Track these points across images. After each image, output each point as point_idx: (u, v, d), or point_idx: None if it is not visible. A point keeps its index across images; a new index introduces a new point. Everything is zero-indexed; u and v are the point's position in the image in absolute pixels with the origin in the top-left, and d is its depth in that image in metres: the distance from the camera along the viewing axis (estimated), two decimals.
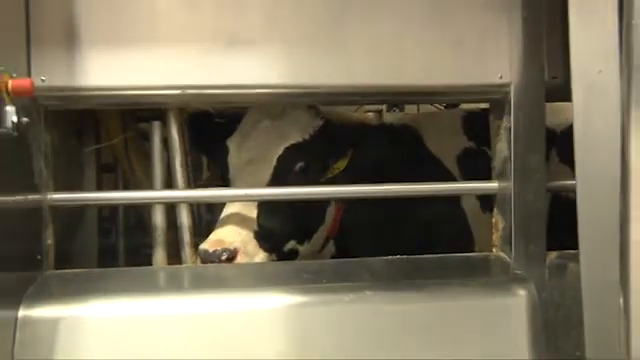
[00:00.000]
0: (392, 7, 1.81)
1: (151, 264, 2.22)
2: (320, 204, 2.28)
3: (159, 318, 1.64)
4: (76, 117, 2.40)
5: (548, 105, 1.77)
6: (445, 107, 3.10)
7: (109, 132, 2.47)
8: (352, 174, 2.27)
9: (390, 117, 3.00)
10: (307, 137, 2.20)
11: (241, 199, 2.07)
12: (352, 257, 2.11)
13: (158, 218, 2.18)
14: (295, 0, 1.79)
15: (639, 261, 1.34)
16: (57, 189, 1.85)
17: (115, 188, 2.82)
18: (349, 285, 1.72)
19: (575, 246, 1.43)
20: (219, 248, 1.94)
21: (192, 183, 2.38)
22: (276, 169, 2.13)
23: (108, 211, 2.99)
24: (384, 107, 3.00)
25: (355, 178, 2.18)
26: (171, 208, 2.21)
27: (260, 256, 2.05)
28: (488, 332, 1.68)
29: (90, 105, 2.01)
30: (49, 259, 1.80)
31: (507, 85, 1.82)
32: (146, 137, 2.33)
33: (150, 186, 2.28)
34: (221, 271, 1.91)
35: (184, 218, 2.15)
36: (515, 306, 1.71)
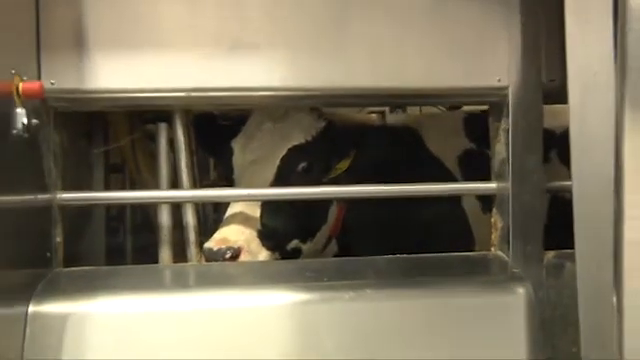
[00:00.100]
0: (392, 11, 1.83)
1: (157, 262, 2.23)
2: (322, 204, 2.29)
3: (165, 314, 1.66)
4: (85, 119, 2.42)
5: (548, 107, 1.79)
6: (447, 109, 3.11)
7: (117, 133, 2.49)
8: (354, 174, 2.28)
9: (393, 118, 3.02)
10: (310, 138, 2.21)
11: (245, 199, 2.09)
12: (355, 256, 2.12)
13: (164, 217, 2.19)
14: (297, 4, 1.80)
15: (632, 261, 1.33)
16: (66, 189, 1.87)
17: (123, 188, 2.85)
18: (350, 283, 1.74)
19: (573, 245, 1.44)
20: (223, 247, 1.95)
21: (198, 183, 2.40)
22: (279, 169, 2.15)
23: (116, 210, 3.03)
24: (387, 108, 3.02)
25: (357, 178, 2.19)
26: (177, 208, 2.22)
27: (263, 255, 2.06)
28: (486, 329, 1.70)
29: (98, 107, 2.03)
30: (58, 257, 1.82)
31: (505, 88, 1.84)
32: (153, 138, 2.34)
33: (156, 186, 2.30)
34: (225, 269, 1.93)
35: (189, 217, 2.16)
36: (512, 304, 1.73)
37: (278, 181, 2.14)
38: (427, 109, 3.14)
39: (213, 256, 1.94)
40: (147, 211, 2.76)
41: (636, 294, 1.34)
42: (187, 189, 2.20)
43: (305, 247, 2.22)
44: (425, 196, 2.09)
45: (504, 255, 1.89)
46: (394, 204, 2.21)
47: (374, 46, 1.83)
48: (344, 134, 2.31)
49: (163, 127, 2.24)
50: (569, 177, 1.42)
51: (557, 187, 1.93)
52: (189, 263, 2.17)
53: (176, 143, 2.18)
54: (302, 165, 2.17)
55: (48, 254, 1.77)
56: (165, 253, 2.21)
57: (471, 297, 1.75)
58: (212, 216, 3.09)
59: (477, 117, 2.57)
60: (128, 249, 2.84)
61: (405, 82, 1.86)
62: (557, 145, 2.34)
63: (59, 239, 1.82)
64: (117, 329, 1.63)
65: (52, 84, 1.71)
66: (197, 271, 2.01)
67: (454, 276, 1.84)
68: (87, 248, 2.51)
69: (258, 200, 2.09)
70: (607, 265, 1.37)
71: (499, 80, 1.84)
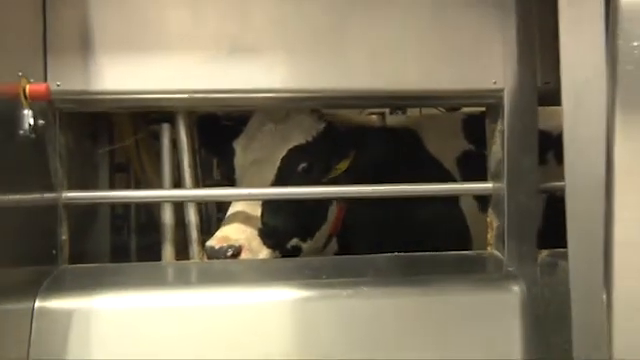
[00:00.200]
0: (392, 15, 1.84)
1: (160, 260, 2.25)
2: (322, 203, 2.30)
3: (168, 310, 1.68)
4: (90, 120, 2.43)
5: (545, 109, 1.80)
6: (447, 110, 3.12)
7: (122, 134, 2.51)
8: (354, 175, 2.29)
9: (393, 119, 3.03)
10: (310, 139, 2.22)
11: (246, 198, 2.10)
12: (355, 254, 2.13)
13: (167, 216, 2.21)
14: (297, 8, 1.81)
15: (622, 261, 1.35)
16: (72, 188, 1.88)
17: (127, 187, 2.86)
18: (348, 281, 1.75)
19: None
20: (225, 245, 1.97)
21: (200, 182, 2.43)
22: (280, 169, 2.16)
23: (121, 209, 3.05)
24: (387, 110, 3.03)
25: (357, 179, 2.21)
26: (179, 206, 2.24)
27: (264, 253, 2.07)
28: (481, 326, 1.71)
29: (103, 108, 2.04)
30: (64, 254, 1.84)
31: (501, 90, 1.85)
32: (157, 138, 2.36)
33: (160, 185, 2.32)
34: (226, 267, 1.94)
35: (192, 216, 2.18)
36: (507, 301, 1.74)
37: (279, 181, 2.15)
38: (427, 110, 3.14)
39: (215, 254, 1.96)
40: (151, 210, 2.78)
41: (626, 293, 1.36)
42: (189, 188, 2.22)
43: (305, 245, 2.23)
44: (423, 196, 2.10)
45: (499, 254, 1.90)
46: (393, 204, 2.24)
47: (373, 49, 1.84)
48: (344, 135, 2.33)
49: (166, 128, 2.26)
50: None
51: (552, 187, 1.94)
52: (191, 261, 2.19)
53: (179, 143, 2.20)
54: (302, 165, 2.19)
55: (54, 252, 1.79)
56: (168, 251, 2.23)
57: (466, 295, 1.76)
58: (215, 215, 3.11)
59: (475, 119, 2.57)
60: (132, 247, 2.85)
61: (404, 84, 1.87)
62: (554, 146, 2.35)
63: (65, 237, 1.83)
64: (121, 324, 1.64)
65: (58, 86, 1.73)
66: (199, 268, 2.03)
67: (450, 274, 1.85)
68: (93, 246, 2.52)
69: (259, 199, 2.10)
70: (598, 265, 1.39)
71: (495, 82, 1.85)
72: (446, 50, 1.86)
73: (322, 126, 2.27)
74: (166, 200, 2.21)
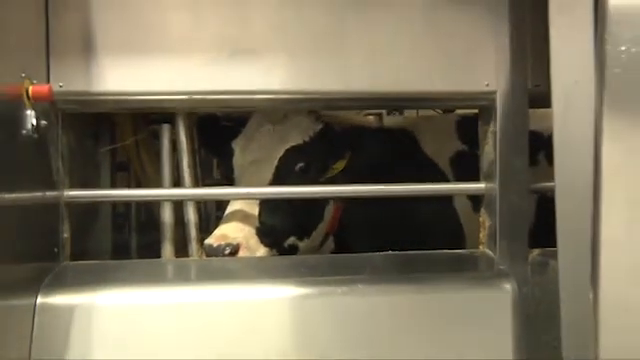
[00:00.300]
0: (388, 20, 1.86)
1: (160, 257, 2.26)
2: (319, 203, 2.31)
3: (167, 306, 1.69)
4: (92, 120, 2.44)
5: (537, 111, 1.81)
6: (443, 112, 3.13)
7: (123, 134, 2.52)
8: (350, 175, 2.30)
9: (390, 120, 3.05)
10: (307, 139, 2.23)
11: (244, 197, 2.11)
12: (351, 253, 2.16)
13: (166, 214, 2.22)
14: (296, 12, 1.82)
15: (609, 260, 1.37)
16: (74, 187, 1.90)
17: (129, 186, 2.88)
18: (343, 278, 1.76)
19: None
20: (223, 243, 1.98)
21: (200, 182, 2.44)
22: (277, 169, 2.17)
23: (122, 208, 3.06)
24: (384, 111, 3.05)
25: (353, 178, 2.22)
26: (179, 205, 2.25)
27: (261, 251, 2.08)
28: (472, 323, 1.72)
29: (104, 109, 2.06)
30: (65, 251, 1.85)
31: (493, 93, 1.87)
32: (157, 138, 2.37)
33: (160, 184, 2.33)
34: (224, 264, 1.95)
35: (191, 215, 2.19)
36: (498, 299, 1.75)
37: (276, 180, 2.16)
38: (423, 112, 3.16)
39: (213, 252, 1.97)
40: (151, 208, 2.79)
41: (612, 292, 1.37)
42: (188, 188, 2.23)
43: (302, 244, 2.24)
44: (417, 196, 2.11)
45: (491, 253, 1.91)
46: (389, 203, 2.26)
47: (370, 53, 1.86)
48: (340, 136, 2.34)
49: (166, 128, 2.27)
50: None
51: (543, 188, 1.95)
52: (190, 258, 2.20)
53: (178, 144, 2.21)
54: (299, 165, 2.19)
55: (56, 249, 1.80)
56: (167, 248, 2.24)
57: (459, 292, 1.77)
58: (214, 213, 3.12)
59: (469, 120, 2.59)
60: (133, 245, 2.87)
61: (400, 86, 1.89)
62: (545, 147, 2.36)
63: (66, 235, 1.85)
64: (122, 320, 1.66)
65: (60, 87, 1.74)
66: (198, 266, 2.04)
67: (443, 272, 1.87)
68: (94, 243, 2.53)
69: (257, 198, 2.11)
70: (587, 264, 1.40)
71: (487, 85, 1.87)
72: (441, 54, 1.88)
73: (319, 127, 2.28)
74: (166, 199, 2.22)
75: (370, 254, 1.97)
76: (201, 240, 2.13)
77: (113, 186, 2.68)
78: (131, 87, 1.81)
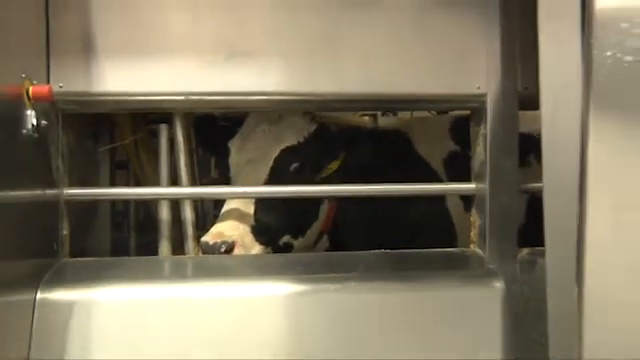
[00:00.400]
0: (382, 23, 1.87)
1: (158, 254, 2.27)
2: (314, 202, 2.32)
3: (164, 302, 1.71)
4: (92, 119, 2.45)
5: (529, 113, 1.83)
6: (437, 113, 3.14)
7: (122, 133, 2.53)
8: (344, 174, 2.32)
9: (384, 121, 3.07)
10: (302, 140, 2.24)
11: (240, 196, 2.12)
12: (345, 251, 2.18)
13: (164, 213, 2.24)
14: (291, 16, 1.84)
15: (594, 258, 1.38)
16: (74, 185, 1.91)
17: (127, 185, 2.88)
18: (336, 276, 1.78)
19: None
20: (219, 240, 1.99)
21: (197, 181, 2.45)
22: (273, 169, 2.18)
23: (121, 206, 3.07)
24: (379, 112, 3.06)
25: (347, 178, 2.24)
26: (176, 203, 2.27)
27: (256, 249, 2.09)
28: (461, 320, 1.74)
29: (103, 109, 2.07)
30: (65, 248, 1.86)
31: (484, 95, 1.88)
32: (156, 137, 2.37)
33: (158, 183, 2.34)
34: (220, 261, 1.96)
35: (188, 213, 2.21)
36: (486, 297, 1.77)
37: (272, 180, 2.17)
38: (418, 113, 3.16)
39: (209, 249, 1.98)
40: (149, 206, 2.80)
41: (596, 290, 1.38)
42: (185, 186, 2.25)
43: (296, 242, 2.25)
44: (410, 195, 2.13)
45: (481, 251, 1.93)
46: (382, 203, 2.27)
47: (364, 55, 1.87)
48: (335, 136, 2.35)
49: (164, 128, 2.28)
50: None
51: (532, 188, 1.96)
52: (187, 255, 2.22)
53: (176, 143, 2.23)
54: (294, 165, 2.21)
55: (55, 246, 1.81)
56: (165, 246, 2.26)
57: (448, 290, 1.79)
58: (212, 212, 3.13)
59: (462, 121, 2.59)
60: (131, 242, 2.88)
61: (392, 88, 1.90)
62: (536, 148, 2.38)
63: (66, 232, 1.86)
64: (120, 315, 1.67)
65: (60, 87, 1.75)
66: (194, 263, 2.05)
67: (434, 270, 1.88)
68: (93, 241, 2.54)
69: (252, 197, 2.12)
70: (574, 262, 1.40)
71: (478, 87, 1.88)
72: (433, 57, 1.89)
73: (314, 127, 2.29)
74: (163, 197, 2.24)
75: (364, 252, 1.99)
76: (198, 238, 2.14)
77: (112, 185, 2.69)
78: (130, 88, 1.82)
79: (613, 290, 1.39)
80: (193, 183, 2.32)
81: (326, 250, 2.47)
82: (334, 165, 2.33)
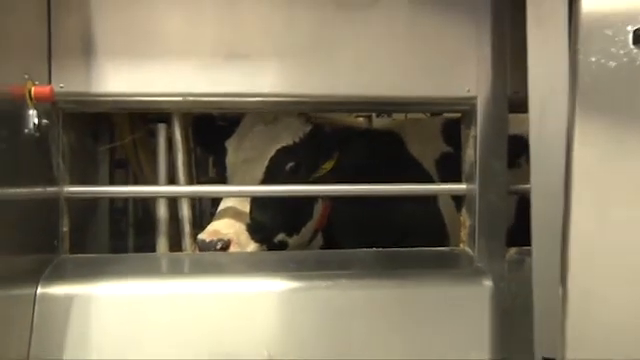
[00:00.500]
0: (375, 27, 1.89)
1: (155, 251, 2.29)
2: (308, 201, 2.32)
3: (161, 298, 1.74)
4: (92, 119, 2.46)
5: (520, 116, 1.86)
6: (431, 115, 3.15)
7: (121, 132, 2.54)
8: (338, 174, 2.33)
9: (378, 122, 3.09)
10: (297, 140, 2.25)
11: (236, 195, 2.14)
12: (339, 249, 2.19)
13: (161, 210, 2.26)
14: (287, 19, 1.86)
15: (577, 257, 1.41)
16: (74, 183, 1.92)
17: (126, 183, 2.90)
18: (328, 273, 1.80)
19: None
20: (215, 238, 2.00)
21: (195, 179, 2.47)
22: (268, 169, 2.19)
23: (120, 203, 3.08)
24: (373, 113, 3.08)
25: (341, 178, 2.25)
26: (174, 202, 2.28)
27: (252, 246, 2.10)
28: (449, 317, 1.76)
29: (103, 109, 2.08)
30: (65, 245, 1.88)
31: (474, 98, 1.90)
32: (154, 137, 2.39)
33: (156, 182, 2.35)
34: (216, 258, 1.98)
35: (185, 211, 2.22)
36: (475, 295, 1.80)
37: (267, 179, 2.18)
38: (412, 114, 3.17)
39: (205, 247, 2.00)
40: (148, 204, 2.82)
41: (580, 288, 1.41)
42: (183, 185, 2.26)
43: (291, 240, 2.26)
44: (402, 195, 2.15)
45: (470, 250, 1.95)
46: (376, 202, 2.28)
47: (357, 58, 1.89)
48: (329, 137, 2.36)
49: (162, 127, 2.30)
50: None
51: (521, 189, 1.98)
52: (184, 252, 2.23)
53: (174, 142, 2.24)
54: (290, 165, 2.21)
55: (55, 242, 1.83)
56: (162, 243, 2.27)
57: (437, 288, 1.81)
58: (209, 210, 3.15)
59: (454, 123, 2.59)
60: (130, 239, 2.90)
61: (385, 91, 1.92)
62: (526, 150, 2.40)
63: (66, 229, 1.88)
64: (118, 310, 1.70)
65: (61, 88, 1.77)
66: (191, 260, 2.07)
67: (424, 269, 1.91)
68: (93, 237, 2.56)
69: (248, 196, 2.14)
70: (559, 262, 1.43)
71: (468, 91, 1.90)
72: (425, 60, 1.91)
73: (309, 128, 2.30)
74: (161, 195, 2.25)
75: (356, 250, 2.01)
76: (194, 235, 2.15)
77: (111, 183, 2.70)
78: (129, 88, 1.83)
79: (596, 288, 1.42)
80: (190, 182, 2.33)
81: (320, 248, 2.48)
82: (328, 165, 2.33)
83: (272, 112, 2.23)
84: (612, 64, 1.39)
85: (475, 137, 1.92)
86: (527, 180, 1.98)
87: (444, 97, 1.96)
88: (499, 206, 1.87)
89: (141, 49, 1.83)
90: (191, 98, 1.87)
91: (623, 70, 1.37)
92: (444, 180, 2.52)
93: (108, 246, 2.66)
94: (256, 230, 2.12)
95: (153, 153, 2.41)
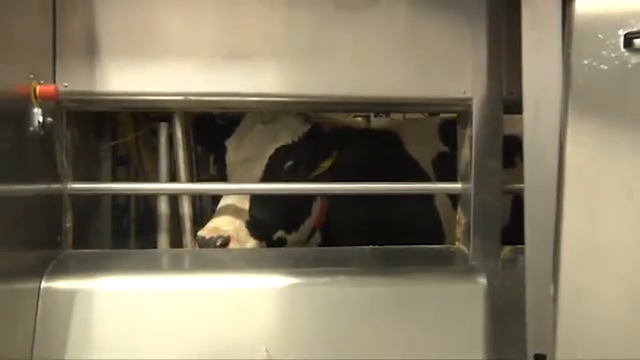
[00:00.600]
0: (373, 29, 1.91)
1: (156, 247, 2.30)
2: (307, 199, 2.33)
3: (162, 293, 1.76)
4: (95, 118, 2.47)
5: (516, 116, 1.88)
6: (429, 115, 3.15)
7: (124, 130, 2.54)
8: (337, 173, 2.34)
9: (376, 122, 3.10)
10: (296, 139, 2.26)
11: (236, 192, 2.15)
12: (337, 246, 2.20)
13: (163, 207, 2.27)
14: (286, 20, 1.87)
15: (569, 255, 1.42)
16: (78, 180, 1.93)
17: (129, 180, 2.92)
18: (326, 270, 1.82)
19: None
20: (215, 235, 2.01)
21: (196, 177, 2.48)
22: (267, 167, 2.19)
23: (122, 200, 3.10)
24: (371, 113, 3.09)
25: (339, 176, 2.25)
26: (175, 199, 2.29)
27: (251, 243, 2.11)
28: (444, 314, 1.78)
29: (106, 108, 2.10)
30: (68, 240, 1.90)
31: (469, 99, 1.91)
32: (156, 135, 2.39)
33: (157, 179, 2.36)
34: (216, 255, 2.00)
35: (185, 208, 2.23)
36: (469, 292, 1.81)
37: (266, 177, 2.19)
38: (410, 114, 3.18)
39: (205, 243, 2.01)
40: (149, 201, 2.83)
41: (571, 286, 1.42)
42: (184, 182, 2.27)
43: (290, 237, 2.26)
44: (399, 194, 2.17)
45: (465, 249, 1.96)
46: (373, 200, 2.29)
47: (355, 59, 1.90)
48: (328, 136, 2.37)
49: (164, 126, 2.30)
50: None
51: (515, 189, 1.99)
52: (184, 249, 2.24)
53: (175, 141, 2.25)
54: (289, 164, 2.22)
55: (59, 238, 1.84)
56: (163, 239, 2.29)
57: (432, 285, 1.83)
58: (210, 207, 3.16)
59: (451, 123, 2.58)
60: (131, 235, 2.91)
61: (382, 91, 1.94)
62: (521, 150, 2.41)
63: (69, 224, 1.89)
64: (119, 304, 1.71)
65: (66, 87, 1.78)
66: (191, 256, 2.09)
67: (420, 266, 1.92)
68: (95, 233, 2.57)
69: (248, 194, 2.15)
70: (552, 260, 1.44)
71: (464, 92, 1.91)
72: (422, 62, 1.93)
73: (307, 128, 2.30)
74: (162, 193, 2.27)
75: (353, 248, 2.02)
76: (195, 232, 2.16)
77: (114, 180, 2.70)
78: (132, 88, 1.85)
79: (587, 286, 1.43)
80: (191, 179, 2.34)
81: (318, 245, 2.48)
82: (327, 164, 2.34)
83: (271, 112, 2.24)
84: (604, 67, 1.40)
85: (471, 137, 1.93)
86: (522, 180, 2.01)
87: (441, 98, 1.97)
88: (494, 205, 1.87)
89: (144, 49, 1.84)
90: (192, 98, 1.88)
91: (614, 72, 1.39)
92: (441, 179, 2.53)
93: (110, 242, 2.66)
94: (255, 227, 2.13)
95: (155, 151, 2.42)
